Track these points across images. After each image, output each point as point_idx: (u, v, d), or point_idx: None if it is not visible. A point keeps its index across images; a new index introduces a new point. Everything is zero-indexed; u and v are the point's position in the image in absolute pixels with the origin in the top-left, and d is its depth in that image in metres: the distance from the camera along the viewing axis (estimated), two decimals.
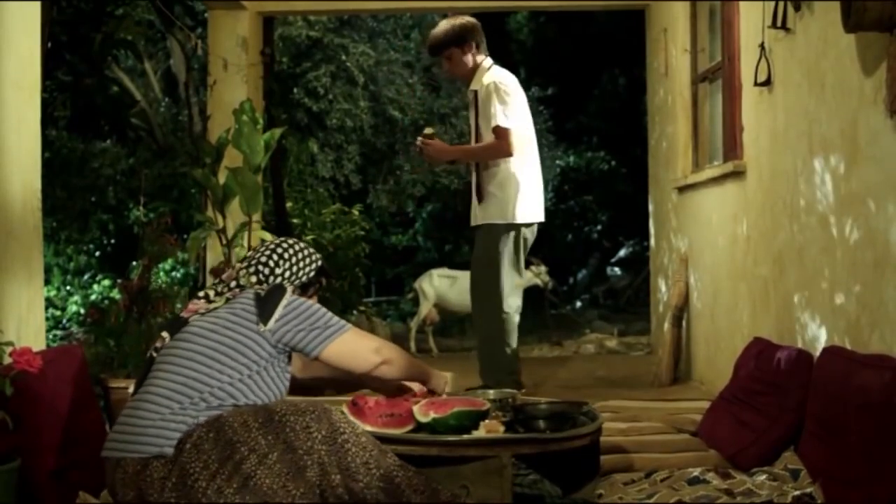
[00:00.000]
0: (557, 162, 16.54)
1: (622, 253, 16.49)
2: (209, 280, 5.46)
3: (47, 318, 8.35)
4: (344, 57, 11.61)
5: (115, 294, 8.41)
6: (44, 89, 4.34)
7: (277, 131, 5.46)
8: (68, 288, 10.42)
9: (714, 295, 4.80)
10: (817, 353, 3.23)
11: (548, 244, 15.87)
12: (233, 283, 2.71)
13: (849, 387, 2.79)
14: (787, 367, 3.33)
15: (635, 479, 3.24)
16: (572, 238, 16.80)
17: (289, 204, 7.99)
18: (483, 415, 2.86)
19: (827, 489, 2.83)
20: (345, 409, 2.87)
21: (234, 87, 6.57)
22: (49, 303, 9.70)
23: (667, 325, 5.37)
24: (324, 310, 2.68)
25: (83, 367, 3.37)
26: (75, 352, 3.37)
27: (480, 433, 2.80)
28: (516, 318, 4.54)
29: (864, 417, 2.68)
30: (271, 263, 2.76)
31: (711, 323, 4.84)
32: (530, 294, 9.26)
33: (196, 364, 2.53)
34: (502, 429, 2.84)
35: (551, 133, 15.74)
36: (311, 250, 2.88)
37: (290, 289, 2.69)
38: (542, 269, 8.86)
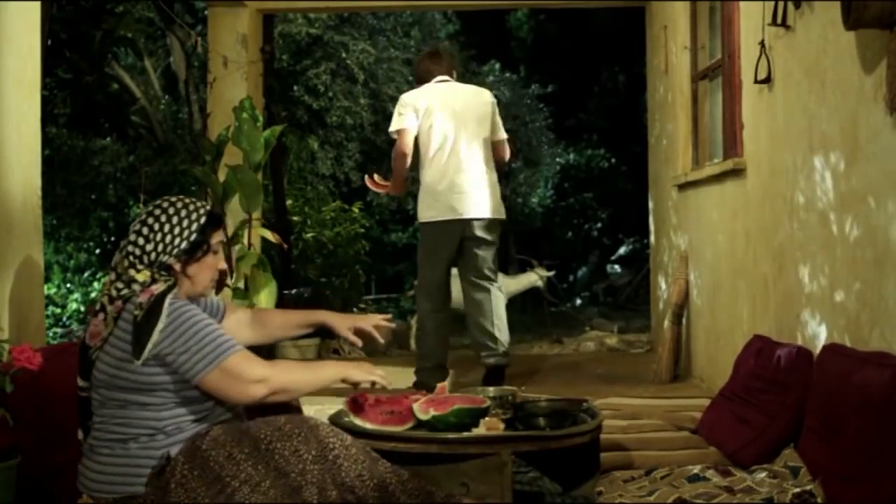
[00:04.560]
0: (557, 159, 16.56)
1: (622, 250, 16.50)
2: None
3: (47, 316, 8.36)
4: (344, 54, 11.62)
5: None
6: (44, 87, 4.34)
7: (277, 129, 5.46)
8: (68, 285, 10.43)
9: (714, 292, 4.80)
10: (817, 351, 3.23)
11: (548, 242, 15.89)
12: (118, 285, 2.42)
13: (849, 384, 2.79)
14: (787, 364, 3.33)
15: (635, 477, 3.25)
16: (572, 235, 16.82)
17: (289, 201, 8.00)
18: (483, 412, 2.86)
19: (827, 486, 2.83)
20: (344, 406, 2.88)
21: (234, 85, 6.57)
22: (49, 300, 9.71)
23: (667, 323, 5.37)
24: (208, 328, 2.37)
25: None
26: (76, 349, 3.36)
27: (480, 430, 2.80)
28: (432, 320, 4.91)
29: (864, 415, 2.68)
30: (140, 242, 2.43)
31: (711, 320, 4.85)
32: (530, 292, 9.29)
33: (117, 409, 2.39)
34: (502, 426, 2.84)
35: (551, 130, 15.75)
36: (191, 206, 2.49)
37: (167, 303, 2.35)
38: (544, 271, 8.87)
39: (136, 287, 2.40)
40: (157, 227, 2.45)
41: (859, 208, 3.02)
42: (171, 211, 2.47)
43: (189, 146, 9.57)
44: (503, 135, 5.02)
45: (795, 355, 3.31)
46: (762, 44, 3.86)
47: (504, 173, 14.77)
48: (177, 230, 2.45)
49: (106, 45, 8.58)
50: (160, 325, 2.32)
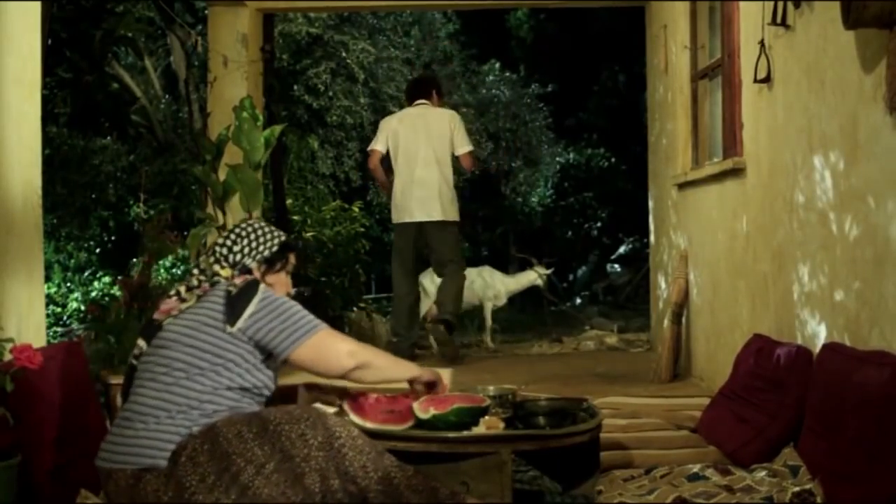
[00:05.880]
0: (557, 159, 16.53)
1: (622, 250, 16.47)
2: None
3: (48, 315, 8.36)
4: (344, 54, 11.61)
5: (116, 291, 8.41)
6: (44, 86, 4.35)
7: (277, 128, 5.47)
8: (69, 285, 10.41)
9: (714, 291, 4.81)
10: (817, 350, 3.23)
11: (548, 241, 15.89)
12: (201, 277, 2.65)
13: (848, 383, 2.80)
14: (786, 363, 3.33)
15: (635, 476, 3.25)
16: (572, 235, 16.80)
17: (289, 201, 8.00)
18: (483, 411, 2.86)
19: (826, 485, 2.83)
20: (345, 405, 2.88)
21: (234, 84, 6.57)
22: (49, 300, 9.70)
23: (666, 322, 5.38)
24: (298, 307, 2.62)
25: (84, 364, 3.38)
26: (76, 348, 3.37)
27: (480, 430, 2.80)
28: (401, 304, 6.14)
29: (863, 414, 2.68)
30: (228, 243, 2.74)
31: (711, 319, 4.85)
32: (530, 291, 9.28)
33: (175, 372, 2.48)
34: (502, 425, 2.84)
35: (551, 130, 15.73)
36: (273, 228, 2.85)
37: (262, 286, 2.61)
38: (543, 270, 8.87)
39: (218, 279, 2.64)
40: (244, 234, 2.77)
41: (859, 207, 3.03)
42: (257, 226, 2.81)
43: (189, 145, 9.57)
44: (464, 149, 6.03)
45: (795, 354, 3.32)
46: (762, 43, 3.87)
47: (504, 172, 14.80)
48: (262, 240, 2.77)
49: (106, 44, 8.58)
50: (257, 298, 2.56)
